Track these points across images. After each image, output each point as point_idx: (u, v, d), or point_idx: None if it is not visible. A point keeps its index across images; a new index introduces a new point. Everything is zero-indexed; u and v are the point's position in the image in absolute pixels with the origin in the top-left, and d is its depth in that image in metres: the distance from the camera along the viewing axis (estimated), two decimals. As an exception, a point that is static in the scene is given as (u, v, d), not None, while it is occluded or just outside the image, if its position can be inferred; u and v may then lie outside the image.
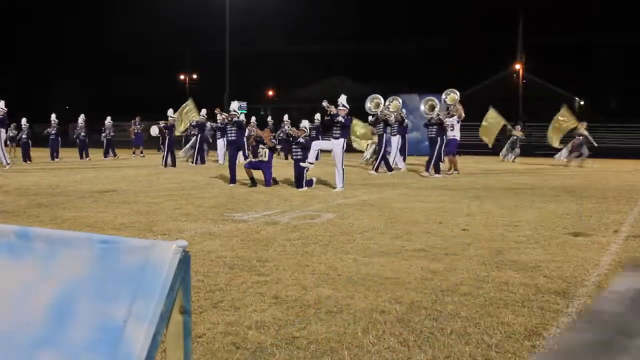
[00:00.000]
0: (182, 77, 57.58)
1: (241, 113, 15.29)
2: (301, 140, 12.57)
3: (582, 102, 54.00)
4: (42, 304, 1.79)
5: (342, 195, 11.10)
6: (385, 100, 17.11)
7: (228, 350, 3.37)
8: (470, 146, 28.74)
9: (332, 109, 12.26)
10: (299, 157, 12.40)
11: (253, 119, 17.67)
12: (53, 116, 22.77)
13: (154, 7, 57.32)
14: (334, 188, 11.91)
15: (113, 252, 1.77)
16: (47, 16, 58.01)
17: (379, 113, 16.54)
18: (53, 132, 22.62)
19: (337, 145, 12.13)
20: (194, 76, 57.88)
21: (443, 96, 16.70)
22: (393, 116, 16.53)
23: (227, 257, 5.60)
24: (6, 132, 19.68)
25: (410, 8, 53.72)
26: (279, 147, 14.33)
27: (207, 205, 9.36)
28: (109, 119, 24.44)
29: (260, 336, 3.57)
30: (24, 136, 22.45)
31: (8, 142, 22.14)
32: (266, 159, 12.77)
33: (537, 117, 34.59)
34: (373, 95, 17.05)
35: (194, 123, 21.41)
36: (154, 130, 21.84)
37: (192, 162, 20.43)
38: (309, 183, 12.18)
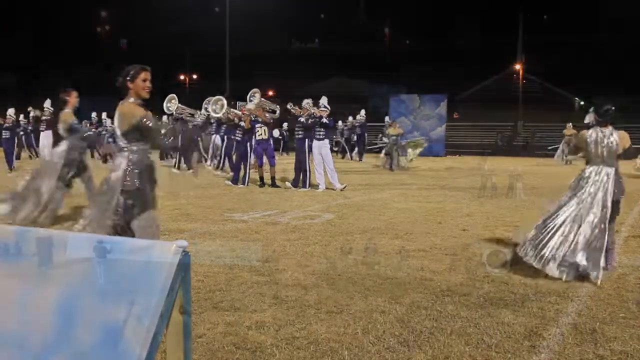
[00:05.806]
0: (182, 77, 57.54)
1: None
2: (302, 119, 12.29)
3: (582, 102, 53.97)
4: (47, 306, 1.79)
5: (342, 195, 11.10)
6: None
7: (228, 350, 3.37)
8: (472, 146, 28.74)
9: (297, 110, 12.29)
10: (299, 136, 12.31)
11: (251, 104, 15.39)
12: (94, 114, 22.22)
13: (154, 7, 57.18)
14: (333, 189, 11.90)
15: (113, 252, 1.77)
16: (46, 16, 57.96)
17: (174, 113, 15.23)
18: (97, 130, 22.16)
19: (324, 146, 12.12)
20: (194, 76, 57.82)
21: (249, 97, 15.35)
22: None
23: (227, 257, 5.60)
24: None
25: (410, 8, 53.63)
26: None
27: (207, 205, 9.35)
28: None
29: (260, 336, 3.57)
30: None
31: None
32: (266, 136, 12.47)
33: (537, 117, 34.58)
34: (216, 97, 14.98)
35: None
36: None
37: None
38: (309, 184, 12.15)
